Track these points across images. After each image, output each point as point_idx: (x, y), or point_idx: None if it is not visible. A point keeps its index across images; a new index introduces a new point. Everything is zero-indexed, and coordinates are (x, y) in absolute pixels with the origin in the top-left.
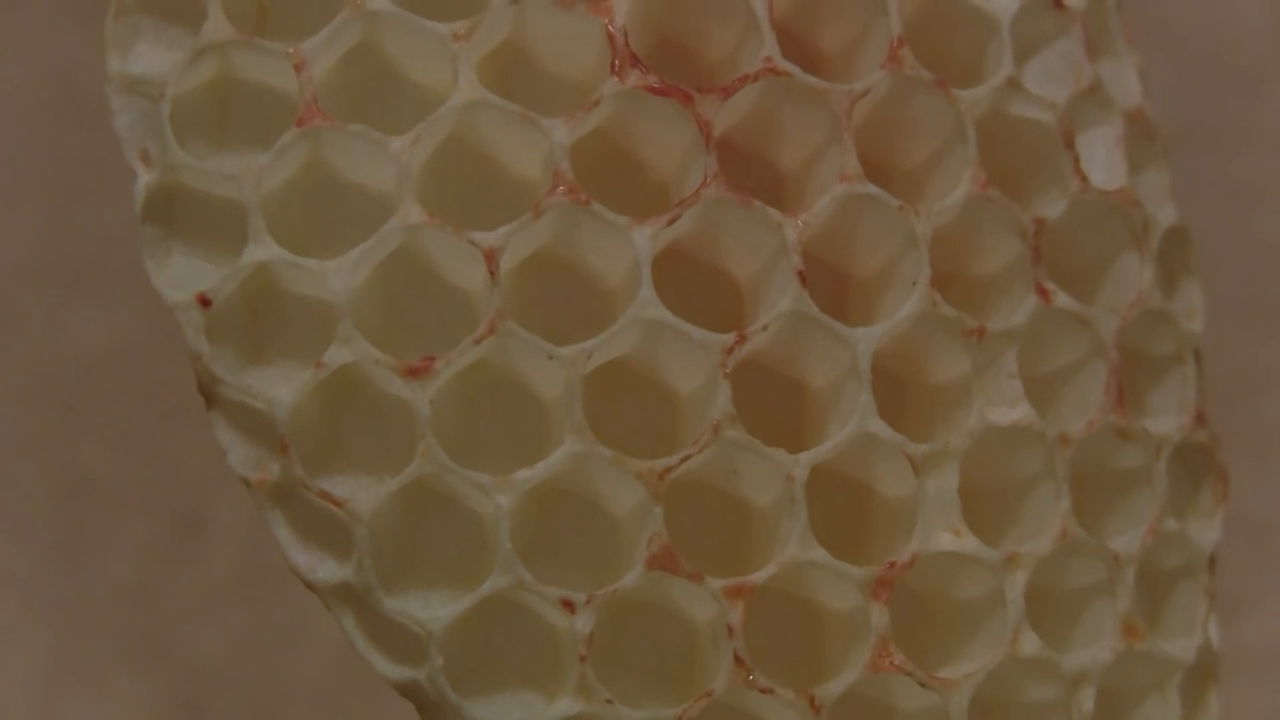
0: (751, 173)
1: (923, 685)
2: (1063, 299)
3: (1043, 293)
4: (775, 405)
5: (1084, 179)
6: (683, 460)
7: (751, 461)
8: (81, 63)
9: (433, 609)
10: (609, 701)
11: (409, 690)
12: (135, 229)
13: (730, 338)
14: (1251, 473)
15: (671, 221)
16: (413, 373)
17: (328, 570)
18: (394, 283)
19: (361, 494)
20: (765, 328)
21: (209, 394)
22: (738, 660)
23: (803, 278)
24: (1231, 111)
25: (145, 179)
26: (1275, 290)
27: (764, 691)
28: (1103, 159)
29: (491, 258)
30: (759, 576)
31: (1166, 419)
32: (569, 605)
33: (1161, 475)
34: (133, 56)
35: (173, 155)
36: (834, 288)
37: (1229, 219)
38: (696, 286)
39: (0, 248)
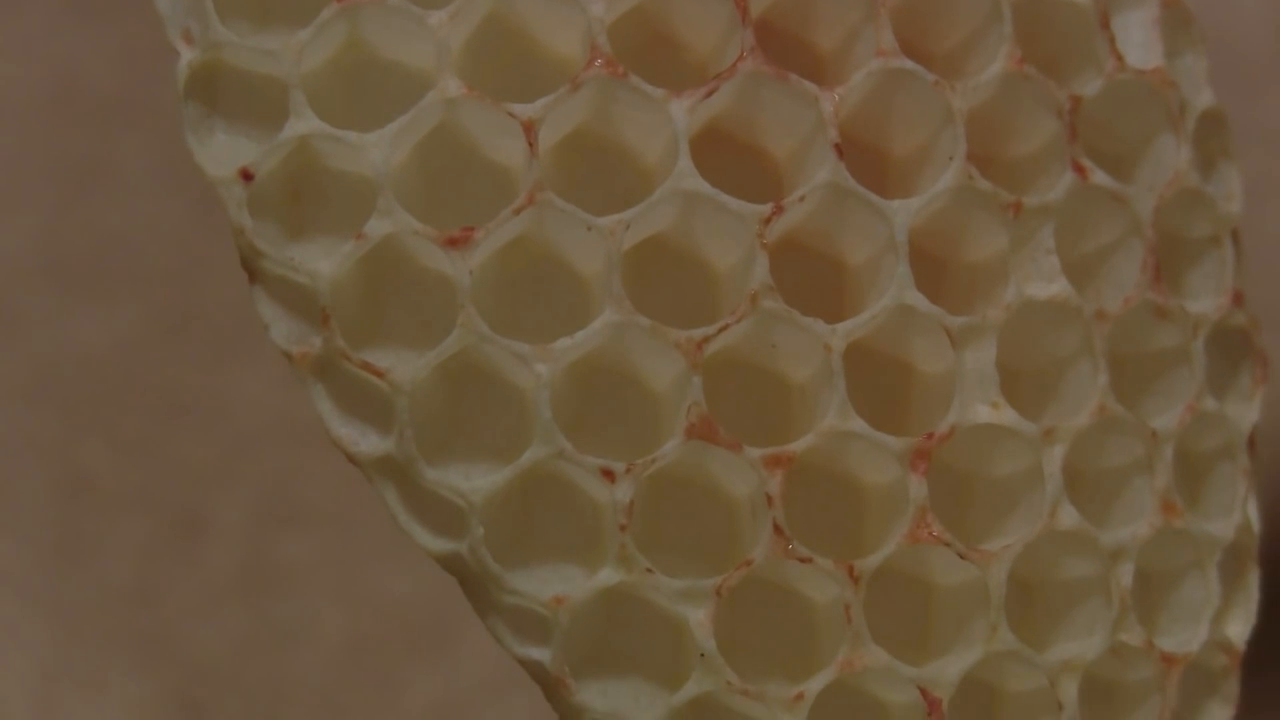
0: (789, 53)
1: (961, 556)
2: (1099, 176)
3: (1079, 170)
4: (814, 282)
5: (1120, 59)
6: (720, 330)
7: (789, 334)
8: (81, 63)
9: (473, 480)
10: (649, 571)
11: (450, 562)
12: (135, 229)
13: (767, 208)
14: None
15: (709, 94)
16: (452, 243)
17: (370, 443)
18: (434, 160)
19: (402, 365)
20: (802, 199)
21: (251, 269)
22: (777, 530)
23: (840, 150)
24: (1231, 111)
25: (188, 57)
26: (1276, 290)
27: (803, 561)
28: (1138, 40)
29: (530, 129)
30: (797, 446)
31: (1204, 299)
32: (609, 474)
33: (1199, 354)
34: None
35: (214, 32)
36: (872, 165)
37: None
38: (734, 164)
39: (0, 248)
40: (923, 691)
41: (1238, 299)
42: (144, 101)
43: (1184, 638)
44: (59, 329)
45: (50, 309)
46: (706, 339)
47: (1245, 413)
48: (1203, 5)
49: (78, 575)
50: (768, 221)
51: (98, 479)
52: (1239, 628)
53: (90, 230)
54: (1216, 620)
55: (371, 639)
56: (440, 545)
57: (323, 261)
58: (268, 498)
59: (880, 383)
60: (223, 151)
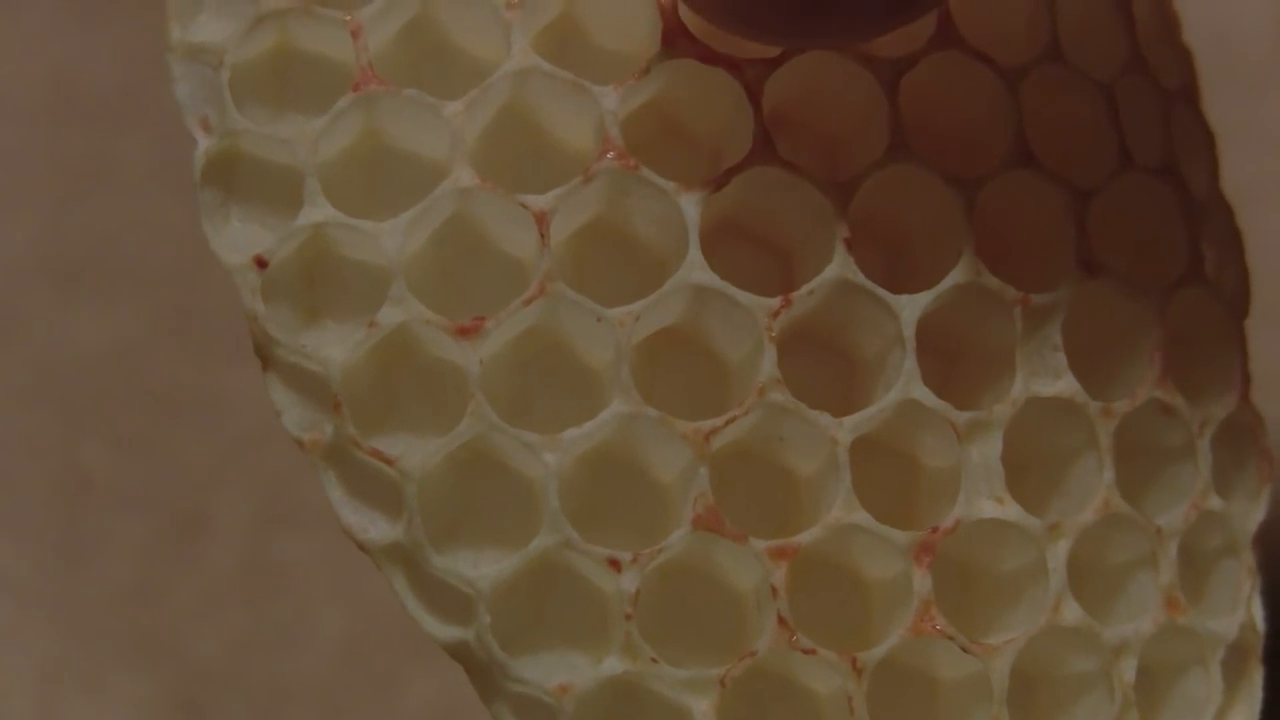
0: (803, 144)
1: (964, 650)
2: (1107, 273)
3: (1087, 267)
4: (822, 374)
5: (1129, 157)
6: (728, 422)
7: (796, 427)
8: (81, 63)
9: (481, 568)
10: (654, 661)
11: (458, 651)
12: (135, 229)
13: (776, 302)
14: None
15: (719, 187)
16: (463, 332)
17: (379, 530)
18: (447, 249)
19: (412, 453)
20: (811, 293)
21: (264, 355)
22: (781, 621)
23: (849, 245)
24: (1231, 111)
25: (204, 144)
26: (1275, 290)
27: (806, 653)
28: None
29: (542, 220)
30: (803, 538)
31: (1211, 397)
32: (615, 564)
33: (1205, 451)
34: (194, 26)
35: (231, 120)
36: (882, 259)
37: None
38: (746, 254)
39: (0, 248)
40: None
41: (1244, 396)
42: (144, 101)
43: None
44: (59, 329)
45: (50, 309)
46: (714, 430)
47: (1250, 510)
48: (1203, 5)
49: (78, 575)
50: (776, 315)
51: (98, 479)
52: None
53: (90, 230)
54: (1219, 718)
55: (371, 639)
56: (448, 634)
57: (335, 349)
58: (268, 498)
59: (886, 477)
60: (238, 238)
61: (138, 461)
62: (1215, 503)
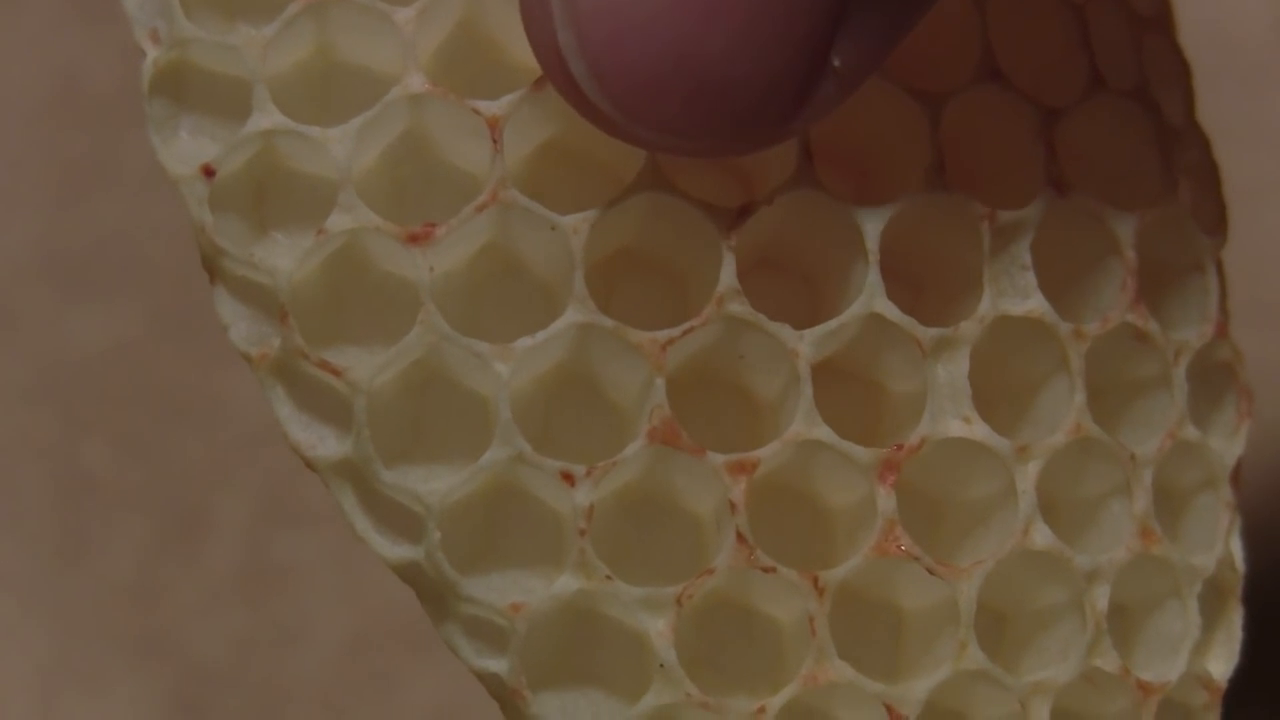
0: None
1: (930, 572)
2: (1077, 194)
3: (1057, 186)
4: (785, 294)
5: (1100, 77)
6: (685, 333)
7: (756, 340)
8: (81, 63)
9: (431, 483)
10: (608, 578)
11: (407, 571)
12: (135, 229)
13: (735, 210)
14: (1249, 472)
15: None
16: (414, 239)
17: (328, 446)
18: (402, 168)
19: (361, 364)
20: (771, 204)
21: (212, 268)
22: (740, 538)
23: (810, 158)
24: (1231, 110)
25: (153, 55)
26: (1276, 290)
27: (766, 570)
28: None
29: (495, 126)
30: (763, 452)
31: (1186, 327)
32: (568, 477)
33: (1180, 381)
34: None
35: (181, 29)
36: (845, 170)
37: (1229, 218)
38: (704, 175)
39: (0, 248)
40: (889, 709)
41: (1221, 330)
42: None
43: (1161, 669)
44: (59, 329)
45: (50, 309)
46: (671, 341)
47: (1229, 447)
48: (1203, 5)
49: (78, 575)
50: (735, 226)
51: (98, 479)
52: (1221, 665)
53: (90, 230)
54: (1196, 653)
55: (371, 639)
56: (398, 553)
57: (283, 259)
58: (268, 498)
59: (850, 401)
60: (186, 150)
61: (138, 461)
62: (1191, 433)
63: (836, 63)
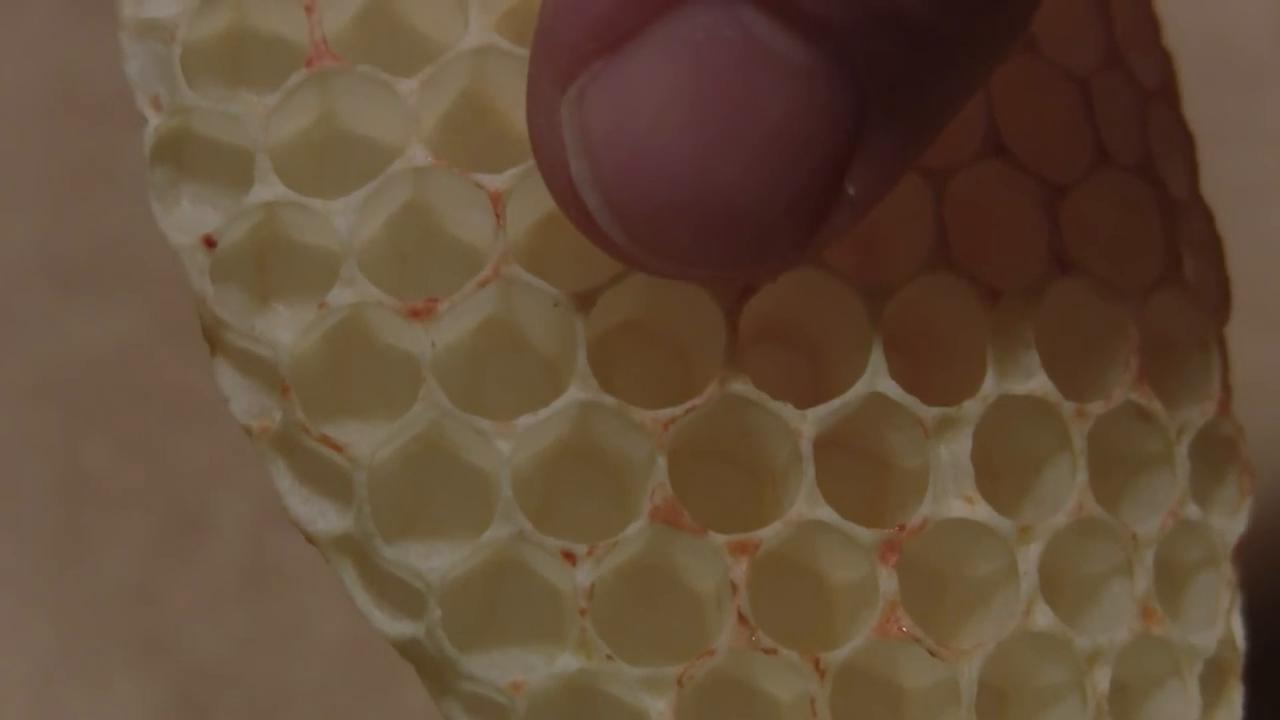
0: None
1: (931, 654)
2: (1081, 271)
3: (1060, 263)
4: (787, 370)
5: (1105, 152)
6: (687, 411)
7: (759, 418)
8: (81, 63)
9: (432, 560)
10: (609, 658)
11: (408, 648)
12: (135, 229)
13: (740, 288)
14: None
15: None
16: (416, 314)
17: (328, 521)
18: (402, 237)
19: (363, 439)
20: (775, 281)
21: (213, 339)
22: (741, 619)
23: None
24: (1231, 111)
25: (155, 122)
26: (1276, 290)
27: (767, 652)
28: None
29: (498, 200)
30: (765, 533)
31: (1189, 405)
32: (570, 557)
33: (1183, 459)
34: (147, 3)
35: (182, 97)
36: (849, 251)
37: (1229, 219)
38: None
39: (0, 248)
40: None
41: (1224, 407)
42: None
43: None
44: (59, 329)
45: (50, 309)
46: (673, 420)
47: (1231, 524)
48: (1203, 5)
49: (78, 575)
50: (740, 302)
51: (98, 479)
52: None
53: (90, 230)
54: None
55: (371, 639)
56: (398, 629)
57: (284, 332)
58: (268, 498)
59: (852, 476)
60: (187, 219)
61: (138, 461)
62: (1193, 512)
63: (851, 190)
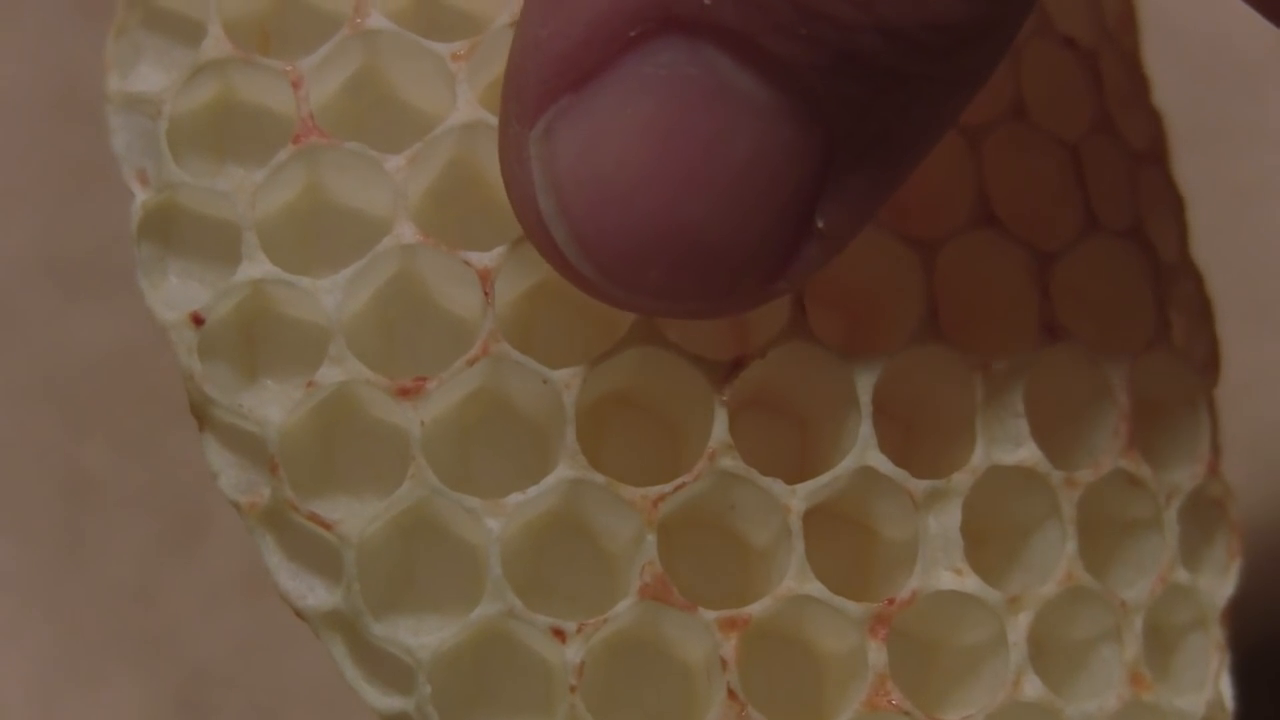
0: None
1: None
2: (1071, 338)
3: (1050, 331)
4: (776, 442)
5: (1095, 218)
6: (677, 488)
7: (748, 494)
8: (81, 63)
9: (422, 637)
10: None
11: None
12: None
13: (729, 362)
14: (1248, 473)
15: None
16: (404, 393)
17: (318, 597)
18: (391, 309)
19: (352, 517)
20: (765, 355)
21: (201, 415)
22: (731, 694)
23: (803, 304)
24: (1231, 111)
25: (141, 198)
26: (1275, 290)
27: None
28: None
29: (486, 278)
30: (754, 609)
31: (1178, 468)
32: (559, 634)
33: (1171, 523)
34: (134, 76)
35: (169, 173)
36: (837, 322)
37: (1229, 219)
38: (695, 322)
39: (0, 248)
40: None
41: (1213, 468)
42: None
43: None
44: (59, 329)
45: (50, 309)
46: (663, 497)
47: (1219, 586)
48: (1203, 5)
49: (78, 575)
50: (729, 378)
51: (98, 479)
52: None
53: (90, 230)
54: None
55: None
56: (388, 704)
57: (272, 409)
58: None
59: (841, 546)
60: (174, 295)
61: (138, 461)
62: (1182, 576)
63: (820, 225)
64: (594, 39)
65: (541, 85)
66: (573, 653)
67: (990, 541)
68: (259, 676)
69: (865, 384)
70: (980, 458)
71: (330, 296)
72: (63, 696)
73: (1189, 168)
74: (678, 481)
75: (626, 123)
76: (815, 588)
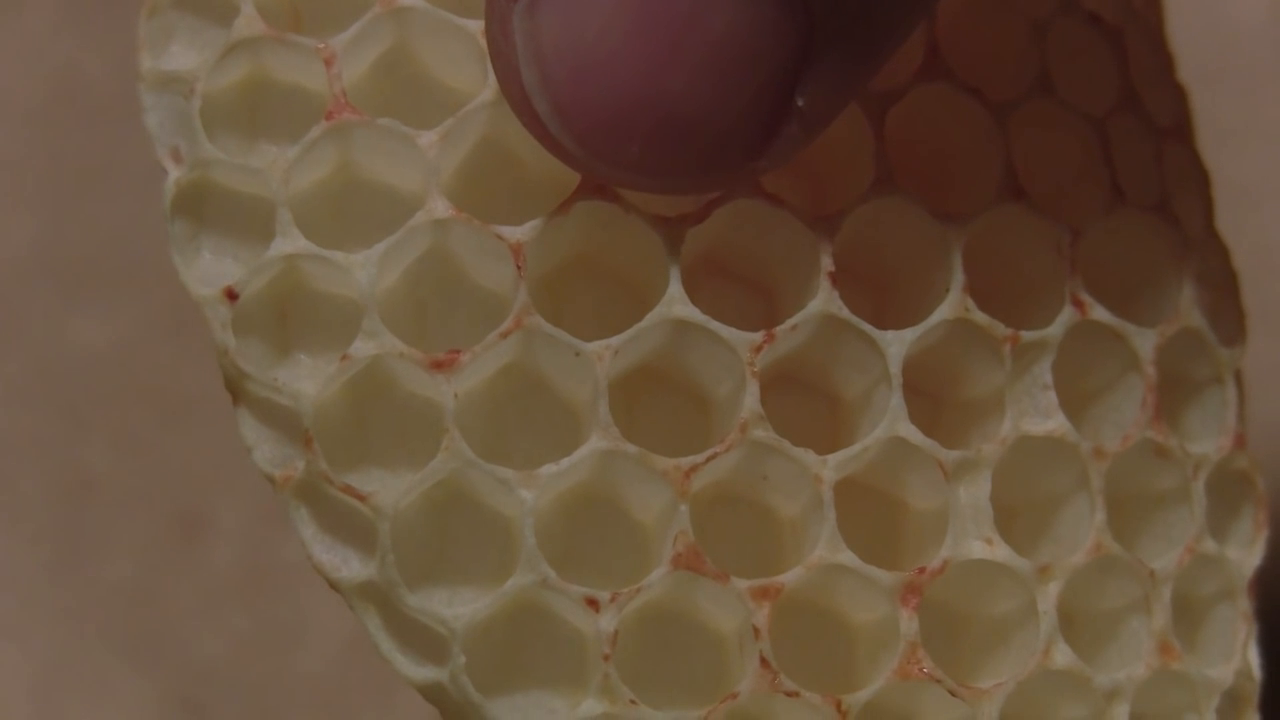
0: (786, 176)
1: (952, 694)
2: (1099, 312)
3: (1078, 305)
4: (807, 414)
5: (1121, 193)
6: (709, 459)
7: (779, 464)
8: (81, 63)
9: (456, 607)
10: (633, 703)
11: (432, 692)
12: (135, 229)
13: (759, 336)
14: None
15: (701, 220)
16: (438, 366)
17: (351, 569)
18: (424, 285)
19: (386, 489)
20: (794, 328)
21: (235, 390)
22: (763, 663)
23: (833, 279)
24: (1231, 111)
25: (175, 175)
26: (1275, 290)
27: (790, 695)
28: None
29: (518, 252)
30: (786, 578)
31: (1205, 440)
32: (593, 604)
33: (1199, 495)
34: (166, 56)
35: (202, 150)
36: (867, 296)
37: (1228, 219)
38: (727, 292)
39: (0, 248)
40: None
41: (1239, 441)
42: None
43: None
44: (59, 329)
45: (50, 309)
46: (695, 468)
47: (1247, 557)
48: (1202, 5)
49: (78, 575)
50: (759, 350)
51: (98, 479)
52: None
53: (90, 230)
54: None
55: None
56: (422, 674)
57: (307, 383)
58: (268, 498)
59: (872, 517)
60: (208, 271)
61: (138, 461)
62: (1210, 547)
63: (800, 102)
64: None
65: None
66: (606, 622)
67: (1020, 513)
68: (259, 676)
69: (895, 355)
70: (1009, 429)
71: (364, 271)
72: (63, 696)
73: None
74: (709, 452)
75: None
76: (847, 557)
